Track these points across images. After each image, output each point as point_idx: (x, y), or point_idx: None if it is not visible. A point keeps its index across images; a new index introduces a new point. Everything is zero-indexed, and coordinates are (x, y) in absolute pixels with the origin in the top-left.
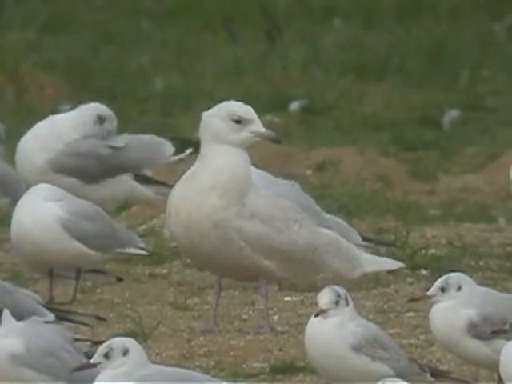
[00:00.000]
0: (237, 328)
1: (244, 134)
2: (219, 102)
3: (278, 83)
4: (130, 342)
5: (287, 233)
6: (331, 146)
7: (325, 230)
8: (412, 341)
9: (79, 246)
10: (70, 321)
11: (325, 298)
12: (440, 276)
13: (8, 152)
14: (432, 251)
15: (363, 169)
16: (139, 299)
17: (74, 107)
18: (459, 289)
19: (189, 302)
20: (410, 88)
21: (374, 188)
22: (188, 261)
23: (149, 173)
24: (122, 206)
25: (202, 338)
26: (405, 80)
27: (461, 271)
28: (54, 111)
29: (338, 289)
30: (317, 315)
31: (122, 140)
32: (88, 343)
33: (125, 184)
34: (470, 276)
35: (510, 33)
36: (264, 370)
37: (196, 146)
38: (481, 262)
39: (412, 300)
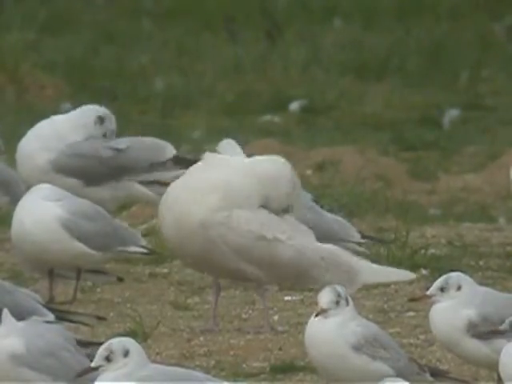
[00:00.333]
0: (237, 327)
1: None
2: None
3: (278, 83)
4: (130, 343)
5: (269, 248)
6: (331, 146)
7: (320, 245)
8: (412, 340)
9: (79, 246)
10: (70, 321)
11: (325, 297)
12: (440, 276)
13: (8, 152)
14: (432, 251)
15: (363, 168)
16: (139, 299)
17: (74, 107)
18: (459, 288)
19: (189, 301)
20: (410, 88)
21: (374, 188)
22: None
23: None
24: (123, 206)
25: (202, 338)
26: (405, 80)
27: (461, 271)
28: (54, 111)
29: (339, 288)
30: (317, 315)
31: (123, 142)
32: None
33: (125, 184)
34: (470, 276)
35: (509, 33)
36: (264, 369)
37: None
38: (481, 262)
39: (412, 300)
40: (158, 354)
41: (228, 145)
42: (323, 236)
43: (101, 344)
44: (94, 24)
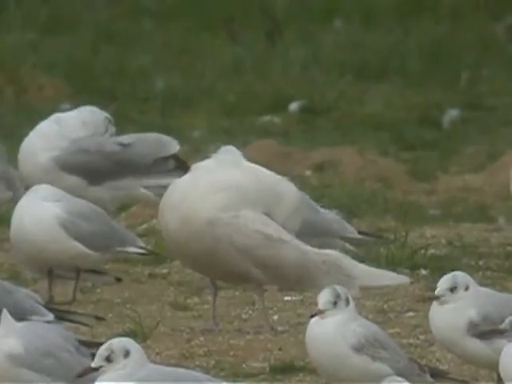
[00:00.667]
0: (237, 328)
1: None
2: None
3: (277, 83)
4: (130, 343)
5: (274, 249)
6: (331, 146)
7: (321, 250)
8: (412, 341)
9: (78, 246)
10: (70, 321)
11: (323, 298)
12: (440, 276)
13: (8, 152)
14: (431, 251)
15: (363, 169)
16: (139, 299)
17: (74, 108)
18: (467, 289)
19: (188, 301)
20: (410, 88)
21: (374, 188)
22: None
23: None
24: (122, 206)
25: (201, 338)
26: (405, 80)
27: (461, 271)
28: (54, 112)
29: (339, 289)
30: (313, 315)
31: (127, 138)
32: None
33: (126, 184)
34: (470, 276)
35: (510, 33)
36: (264, 369)
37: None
38: (480, 262)
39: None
40: (157, 354)
41: (228, 151)
42: (320, 231)
43: (101, 344)
44: (95, 24)
